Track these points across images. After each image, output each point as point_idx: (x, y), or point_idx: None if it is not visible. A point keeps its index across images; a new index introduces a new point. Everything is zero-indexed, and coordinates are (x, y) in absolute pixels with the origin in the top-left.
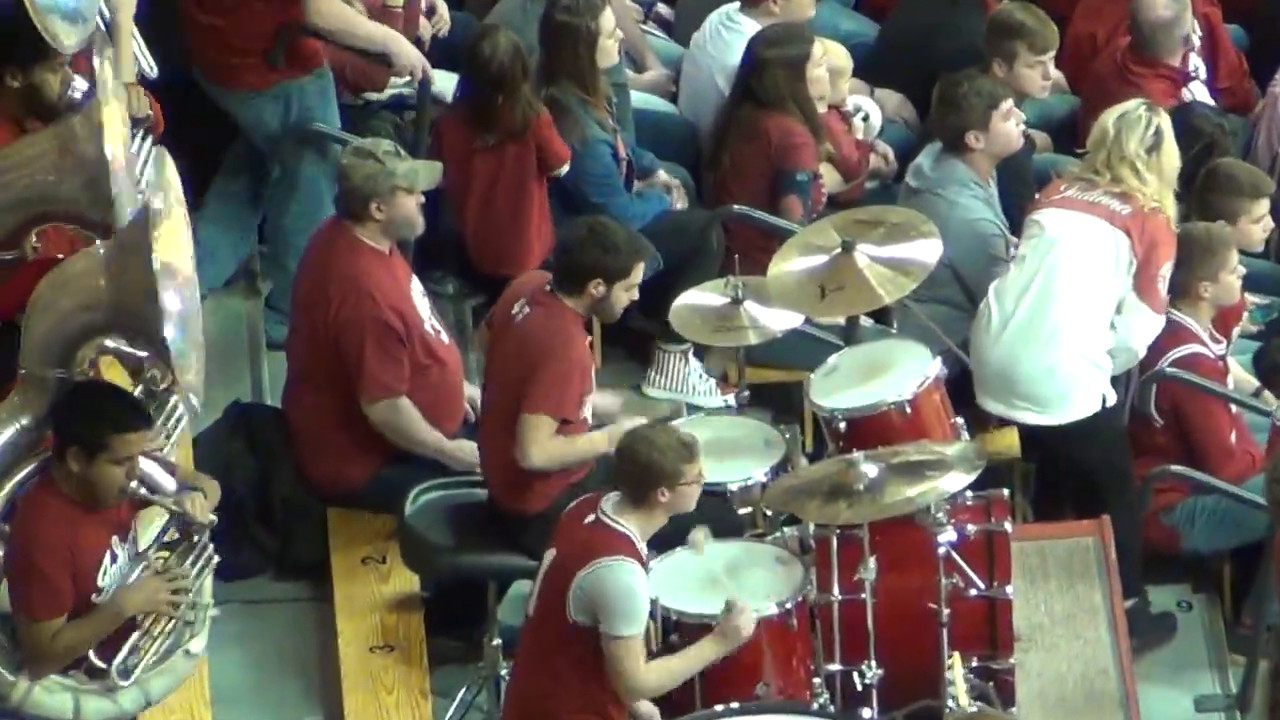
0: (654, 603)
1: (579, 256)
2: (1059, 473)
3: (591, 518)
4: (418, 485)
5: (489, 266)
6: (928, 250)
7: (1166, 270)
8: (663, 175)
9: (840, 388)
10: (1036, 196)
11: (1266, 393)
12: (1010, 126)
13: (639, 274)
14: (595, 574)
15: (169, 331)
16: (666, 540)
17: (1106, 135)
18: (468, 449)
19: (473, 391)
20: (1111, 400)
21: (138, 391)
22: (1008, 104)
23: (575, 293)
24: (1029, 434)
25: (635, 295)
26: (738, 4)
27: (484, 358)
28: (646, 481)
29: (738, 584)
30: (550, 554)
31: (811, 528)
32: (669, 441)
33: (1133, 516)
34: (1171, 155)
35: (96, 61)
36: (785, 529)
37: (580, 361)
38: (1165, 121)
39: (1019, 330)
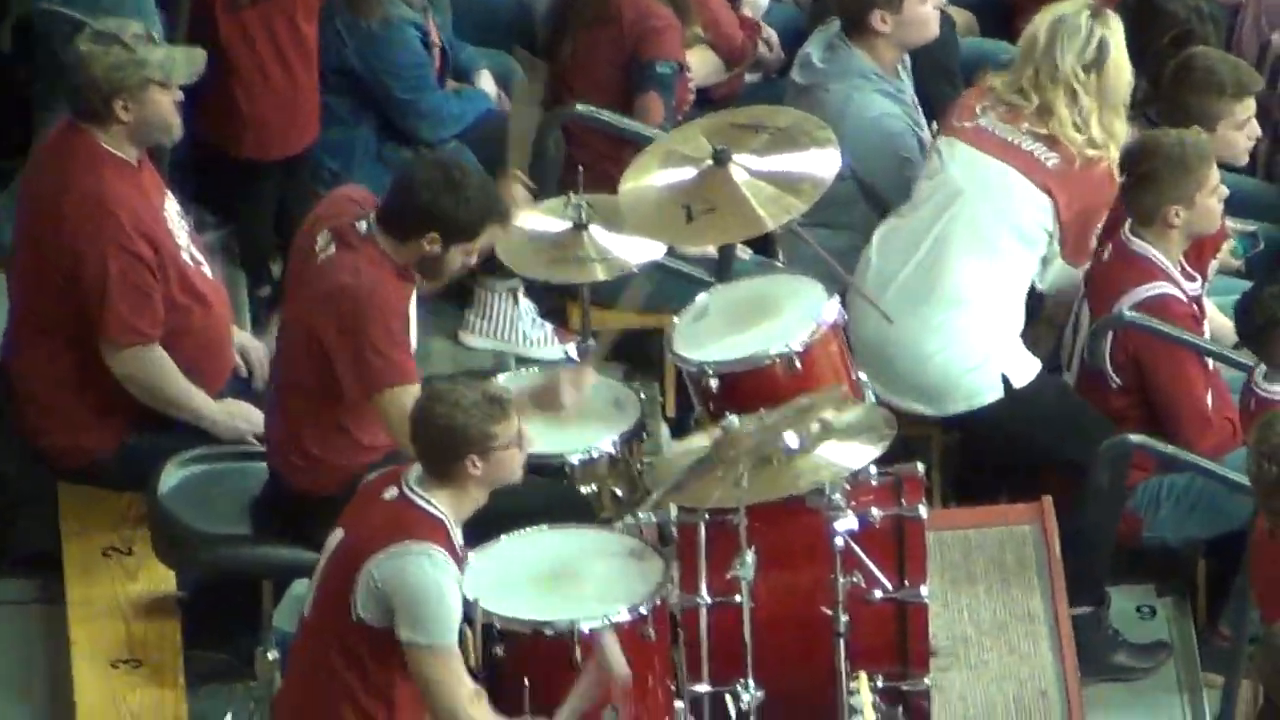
0: (472, 605)
1: (420, 199)
2: (988, 450)
3: (393, 492)
4: (174, 457)
5: (273, 149)
6: (823, 161)
7: (1099, 224)
8: (486, 76)
9: (711, 336)
10: (906, 126)
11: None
12: (928, 10)
13: (488, 239)
14: (394, 563)
15: None
16: (487, 524)
17: (1036, 45)
18: (237, 411)
19: (244, 339)
20: (1025, 376)
21: None
22: None
23: (402, 240)
24: None
25: (473, 262)
26: None
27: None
28: (450, 450)
29: (579, 582)
30: (336, 535)
31: (673, 512)
32: (472, 397)
33: (1102, 501)
34: (1119, 74)
35: None
36: (640, 514)
37: (404, 315)
38: (1115, 31)
39: (899, 298)
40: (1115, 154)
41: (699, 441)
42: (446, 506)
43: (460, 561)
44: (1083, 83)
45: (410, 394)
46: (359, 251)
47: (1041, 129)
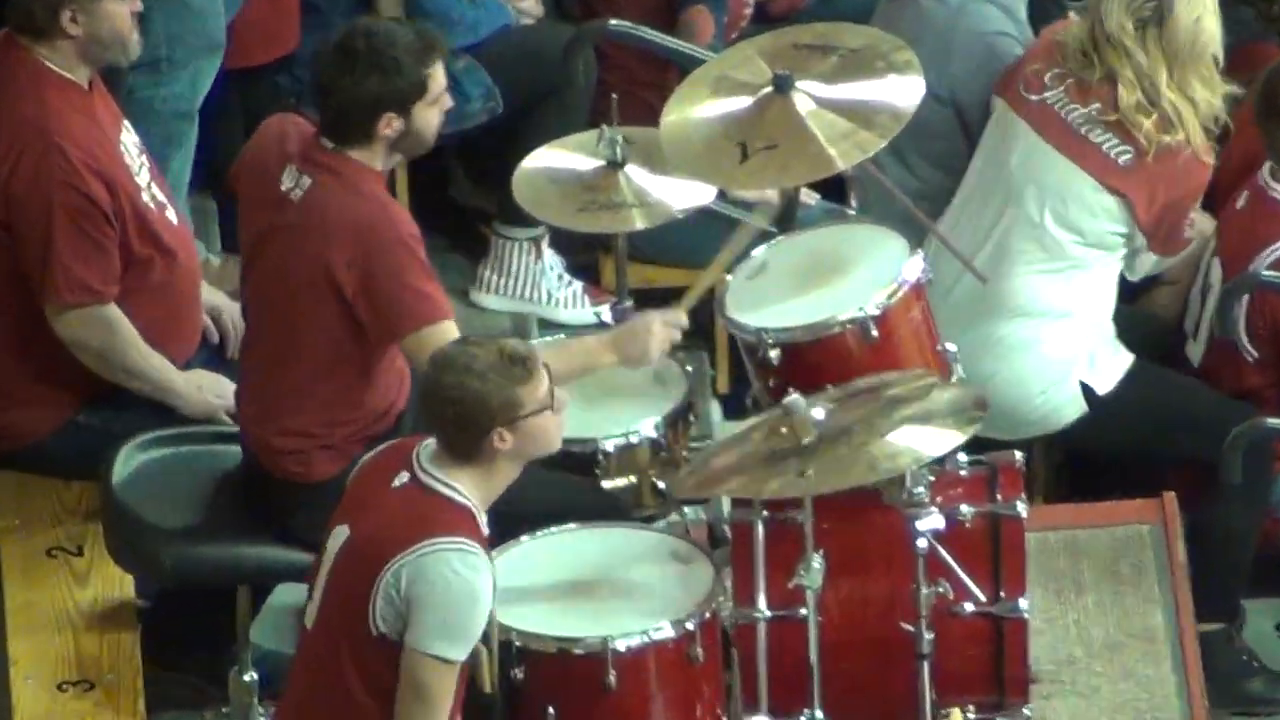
0: (488, 619)
1: (349, 93)
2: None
3: (404, 477)
4: (131, 439)
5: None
6: (904, 90)
7: (1191, 210)
8: None
9: (771, 298)
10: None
11: None
12: None
13: (441, 80)
14: (421, 564)
15: None
16: (504, 523)
17: None
18: (207, 383)
19: (215, 297)
20: (1110, 377)
21: None
22: None
23: (363, 141)
24: None
25: (449, 103)
26: None
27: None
28: (470, 425)
29: (612, 591)
30: (341, 532)
31: (726, 507)
32: (489, 359)
33: (1236, 499)
34: (1193, 25)
35: None
36: (687, 509)
37: (416, 236)
38: None
39: (953, 312)
40: (1196, 129)
41: (756, 423)
42: (471, 490)
43: (488, 551)
44: (1136, 38)
45: (450, 331)
46: (341, 173)
47: (1111, 114)
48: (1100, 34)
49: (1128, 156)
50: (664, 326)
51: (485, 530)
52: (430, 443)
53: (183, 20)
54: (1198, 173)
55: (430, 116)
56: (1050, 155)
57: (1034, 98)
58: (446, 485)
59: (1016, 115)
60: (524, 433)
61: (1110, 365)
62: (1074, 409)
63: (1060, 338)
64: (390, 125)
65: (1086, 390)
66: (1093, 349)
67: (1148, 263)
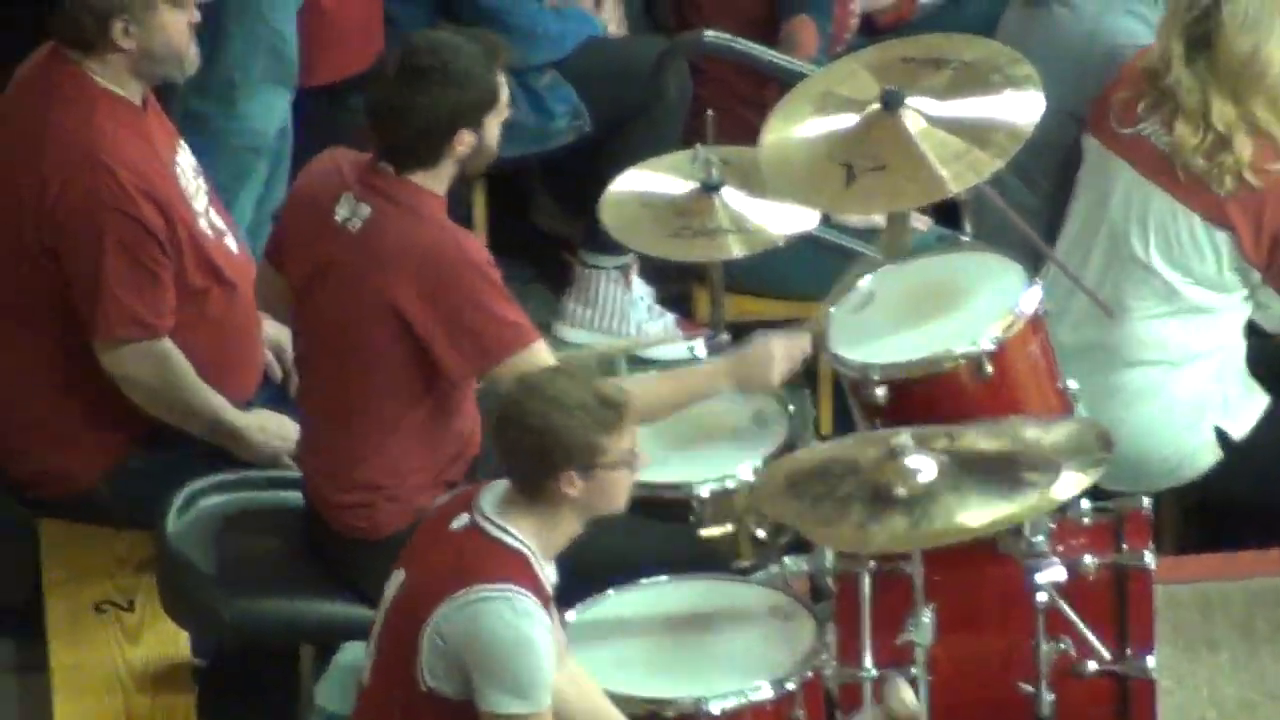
0: None
1: (422, 112)
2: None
3: (464, 520)
4: (187, 485)
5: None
6: (1022, 106)
7: None
8: None
9: (878, 331)
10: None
11: None
12: None
13: (505, 90)
14: (465, 613)
15: None
16: (589, 574)
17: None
18: (269, 424)
19: (278, 331)
20: (1247, 420)
21: None
22: None
23: (432, 162)
24: None
25: (506, 113)
26: None
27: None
28: (544, 460)
29: (707, 649)
30: (397, 578)
31: (829, 558)
32: (580, 396)
33: None
34: (1243, 51)
35: None
36: (788, 560)
37: (489, 261)
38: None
39: (1078, 347)
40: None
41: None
42: (530, 535)
43: (549, 603)
44: (1189, 65)
45: (544, 353)
46: (404, 199)
47: (1201, 137)
48: (1169, 53)
49: (1231, 186)
50: (787, 350)
51: (547, 580)
52: (496, 485)
53: (260, 40)
54: None
55: (496, 128)
56: (1151, 192)
57: (1127, 131)
58: (502, 529)
59: (1111, 152)
60: (596, 483)
61: (1246, 408)
62: (1209, 456)
63: (1189, 382)
64: (464, 141)
65: (1221, 435)
66: (1225, 391)
67: (1276, 305)
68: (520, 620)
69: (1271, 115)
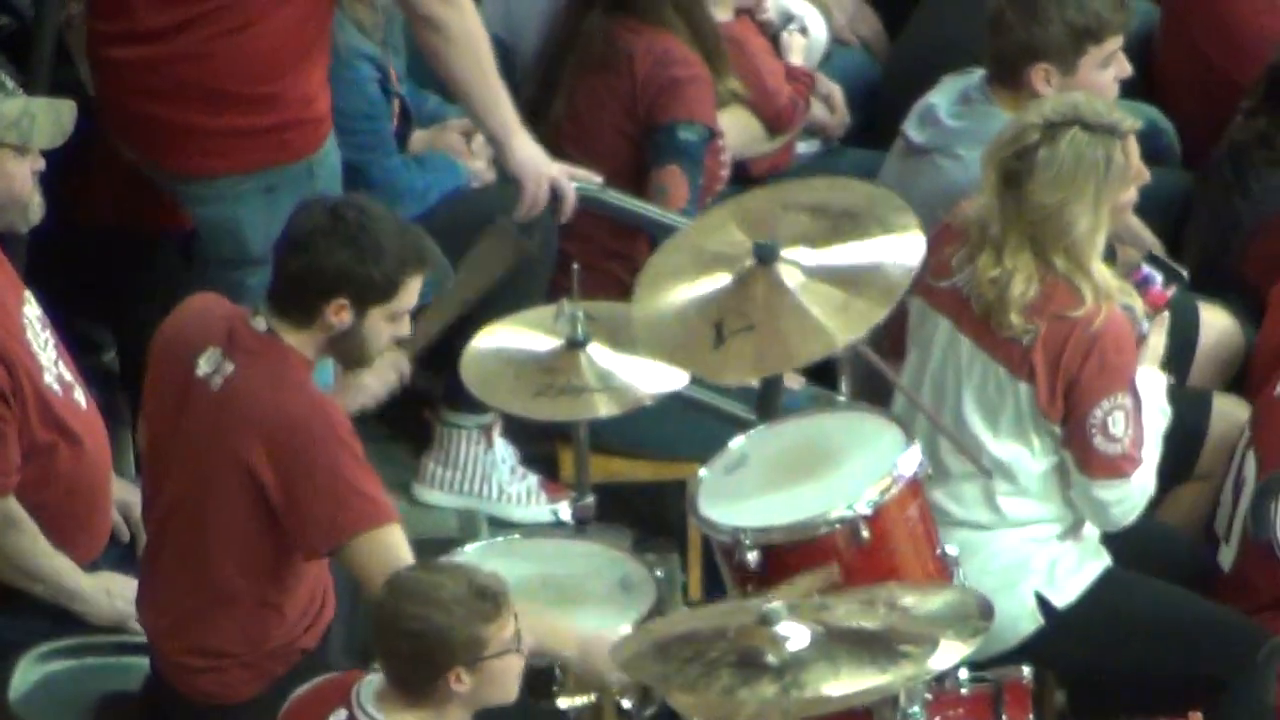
0: None
1: (316, 261)
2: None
3: (341, 716)
4: (29, 649)
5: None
6: (902, 253)
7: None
8: (455, 127)
9: (750, 493)
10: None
11: None
12: (1107, 78)
13: (412, 295)
14: None
15: None
16: None
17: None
18: (115, 588)
19: (126, 491)
20: (1071, 589)
21: None
22: (1115, 43)
23: (303, 322)
24: None
25: (404, 330)
26: None
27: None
28: (427, 662)
29: None
30: None
31: None
32: (456, 590)
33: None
34: (1048, 202)
35: None
36: None
37: (350, 430)
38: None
39: None
40: (1093, 292)
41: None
42: None
43: None
44: (998, 197)
45: (395, 536)
46: (267, 357)
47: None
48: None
49: (1030, 336)
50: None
51: None
52: (373, 679)
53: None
54: (1097, 344)
55: (382, 330)
56: (964, 345)
57: (944, 284)
58: None
59: (929, 306)
60: (484, 675)
61: (1075, 575)
62: (1028, 623)
63: (1005, 545)
64: (339, 314)
65: (1043, 603)
66: (1054, 557)
67: (1089, 491)
68: None
69: (1072, 266)
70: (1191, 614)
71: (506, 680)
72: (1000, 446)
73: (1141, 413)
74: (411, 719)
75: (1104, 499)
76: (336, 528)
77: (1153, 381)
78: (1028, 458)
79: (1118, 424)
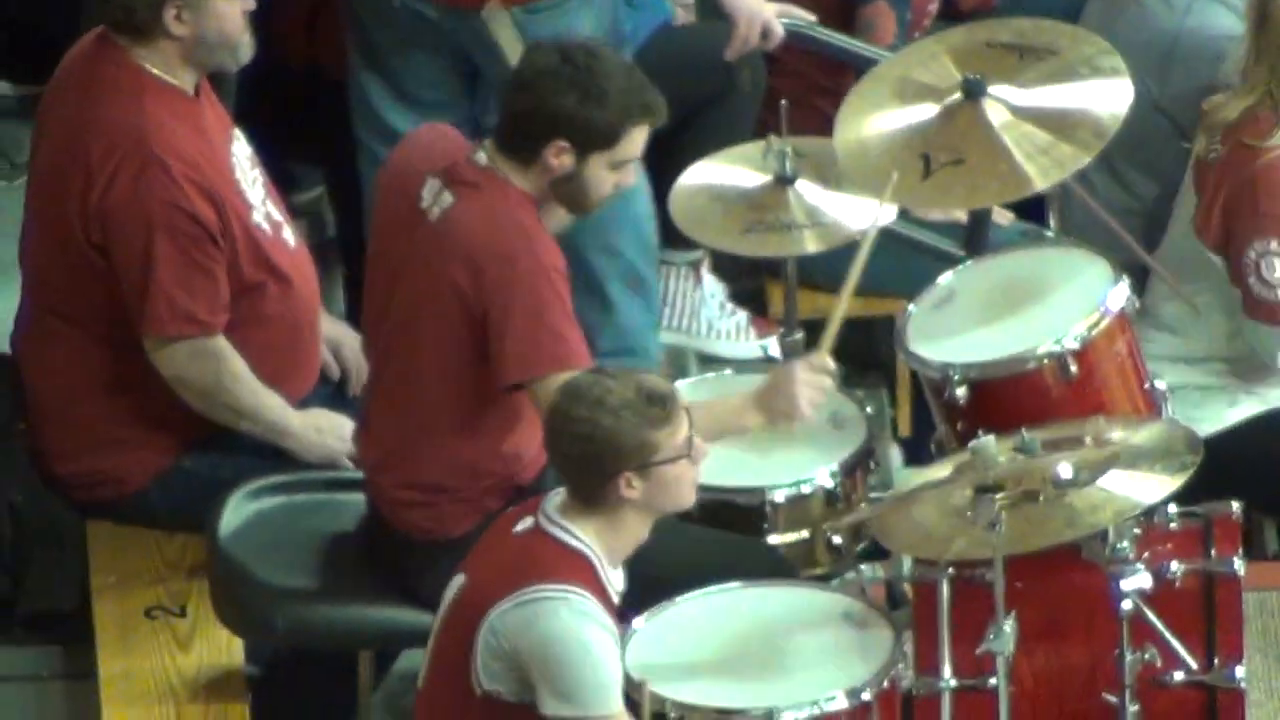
0: (638, 687)
1: (539, 101)
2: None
3: (528, 523)
4: (241, 486)
5: None
6: (1110, 98)
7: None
8: None
9: (959, 330)
10: None
11: None
12: None
13: (636, 145)
14: (521, 612)
15: None
16: (656, 583)
17: None
18: (326, 424)
19: (337, 329)
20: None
21: None
22: None
23: (526, 160)
24: None
25: (629, 180)
26: None
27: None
28: (596, 466)
29: (780, 658)
30: (457, 582)
31: (907, 565)
32: (623, 395)
33: None
34: None
35: None
36: (864, 567)
37: (561, 270)
38: None
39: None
40: None
41: (942, 471)
42: (593, 538)
43: (613, 608)
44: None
45: None
46: (486, 190)
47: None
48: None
49: (1214, 154)
50: (810, 374)
51: (612, 586)
52: (561, 490)
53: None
54: (1256, 182)
55: (604, 176)
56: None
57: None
58: (566, 531)
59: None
60: (655, 481)
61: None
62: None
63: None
64: (559, 157)
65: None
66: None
67: (1246, 330)
68: (577, 621)
69: None
70: None
71: (680, 487)
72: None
73: None
74: (589, 524)
75: (1260, 340)
76: (527, 364)
77: None
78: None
79: (1273, 270)
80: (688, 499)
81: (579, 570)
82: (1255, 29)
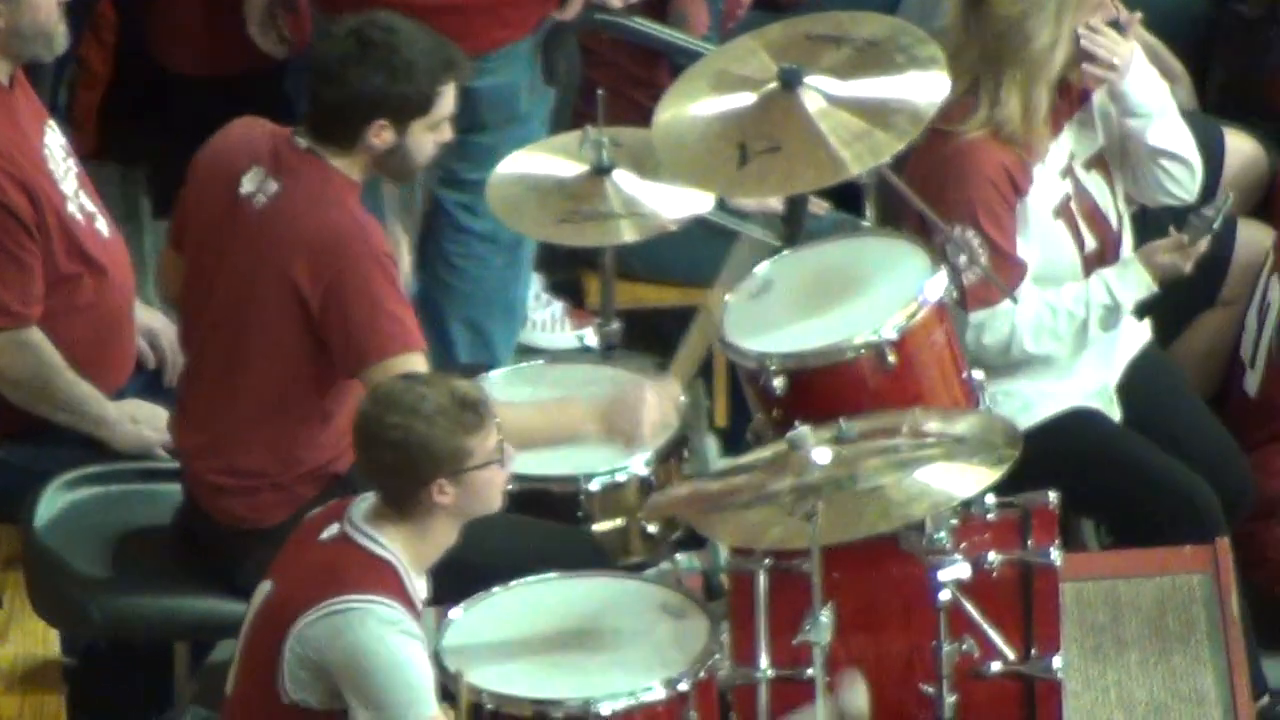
0: (454, 678)
1: (351, 90)
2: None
3: (334, 530)
4: (55, 477)
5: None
6: (926, 87)
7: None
8: None
9: (776, 320)
10: None
11: None
12: None
13: (449, 102)
14: (328, 623)
15: None
16: (472, 573)
17: None
18: (141, 414)
19: (152, 318)
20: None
21: None
22: None
23: (346, 146)
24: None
25: (446, 136)
26: None
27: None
28: (408, 472)
29: (596, 648)
30: (264, 588)
31: (723, 555)
32: (438, 401)
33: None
34: (1009, 15)
35: None
36: (679, 557)
37: (390, 254)
38: None
39: None
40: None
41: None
42: (400, 546)
43: (418, 616)
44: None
45: (417, 363)
46: (309, 175)
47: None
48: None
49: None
50: (659, 401)
51: (416, 593)
52: (368, 496)
53: None
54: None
55: (425, 141)
56: None
57: None
58: (371, 539)
59: None
60: (468, 487)
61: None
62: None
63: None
64: (380, 135)
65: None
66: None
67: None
68: (384, 630)
69: (1015, 82)
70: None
71: (491, 491)
72: None
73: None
74: (398, 531)
75: (994, 330)
76: (366, 346)
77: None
78: None
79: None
80: (497, 503)
81: (384, 580)
82: (968, 9)
